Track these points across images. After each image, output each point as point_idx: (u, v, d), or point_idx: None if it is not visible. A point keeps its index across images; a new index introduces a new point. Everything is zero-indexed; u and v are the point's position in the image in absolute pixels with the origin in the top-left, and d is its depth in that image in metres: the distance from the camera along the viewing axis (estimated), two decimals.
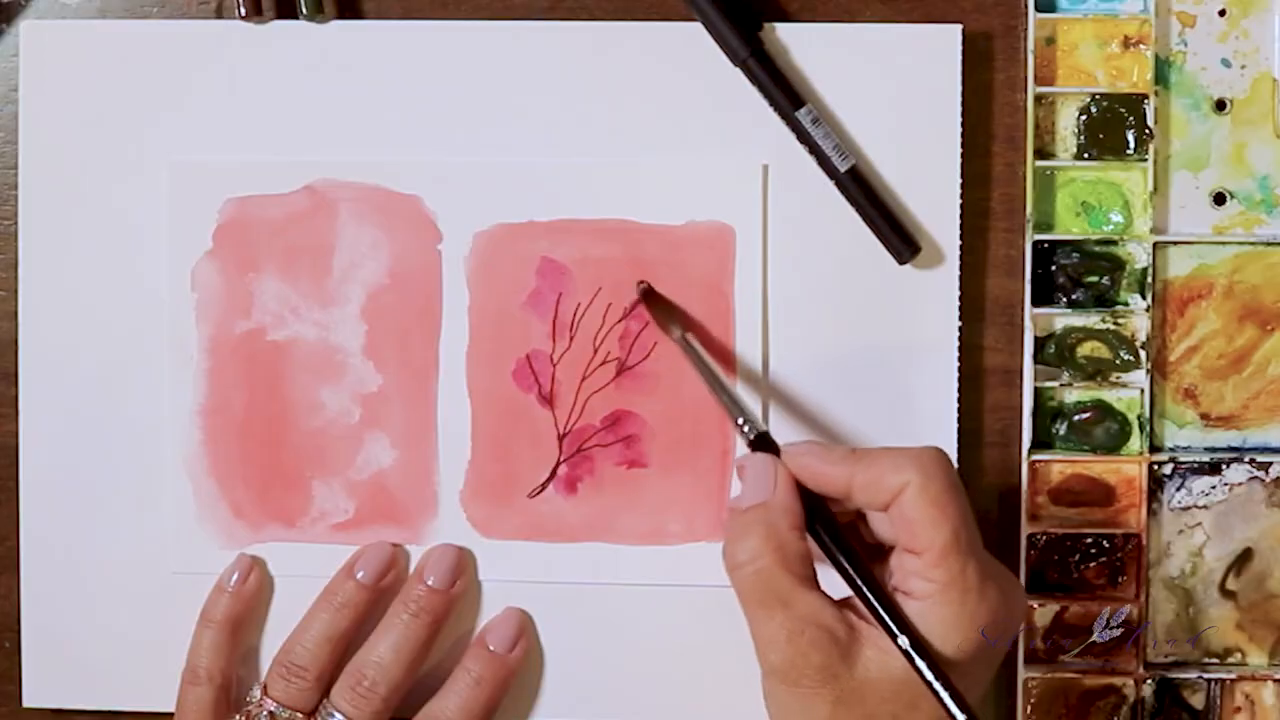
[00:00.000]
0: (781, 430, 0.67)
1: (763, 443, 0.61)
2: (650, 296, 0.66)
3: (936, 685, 0.55)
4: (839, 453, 0.59)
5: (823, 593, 0.58)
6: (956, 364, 0.67)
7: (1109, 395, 0.68)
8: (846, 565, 0.58)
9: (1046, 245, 0.67)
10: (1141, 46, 0.67)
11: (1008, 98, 0.67)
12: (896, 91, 0.66)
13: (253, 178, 0.67)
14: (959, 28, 0.66)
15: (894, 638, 0.56)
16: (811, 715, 0.57)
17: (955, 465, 0.59)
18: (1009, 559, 0.67)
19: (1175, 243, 0.67)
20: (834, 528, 0.59)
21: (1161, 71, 0.67)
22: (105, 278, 0.68)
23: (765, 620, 0.58)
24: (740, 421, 0.62)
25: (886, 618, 0.56)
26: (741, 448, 0.67)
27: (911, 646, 0.56)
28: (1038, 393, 0.67)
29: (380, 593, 0.67)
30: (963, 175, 0.66)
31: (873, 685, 0.57)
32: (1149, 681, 0.67)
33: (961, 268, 0.67)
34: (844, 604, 0.58)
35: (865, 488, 0.58)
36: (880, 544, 0.60)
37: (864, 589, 0.57)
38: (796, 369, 0.67)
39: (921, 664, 0.56)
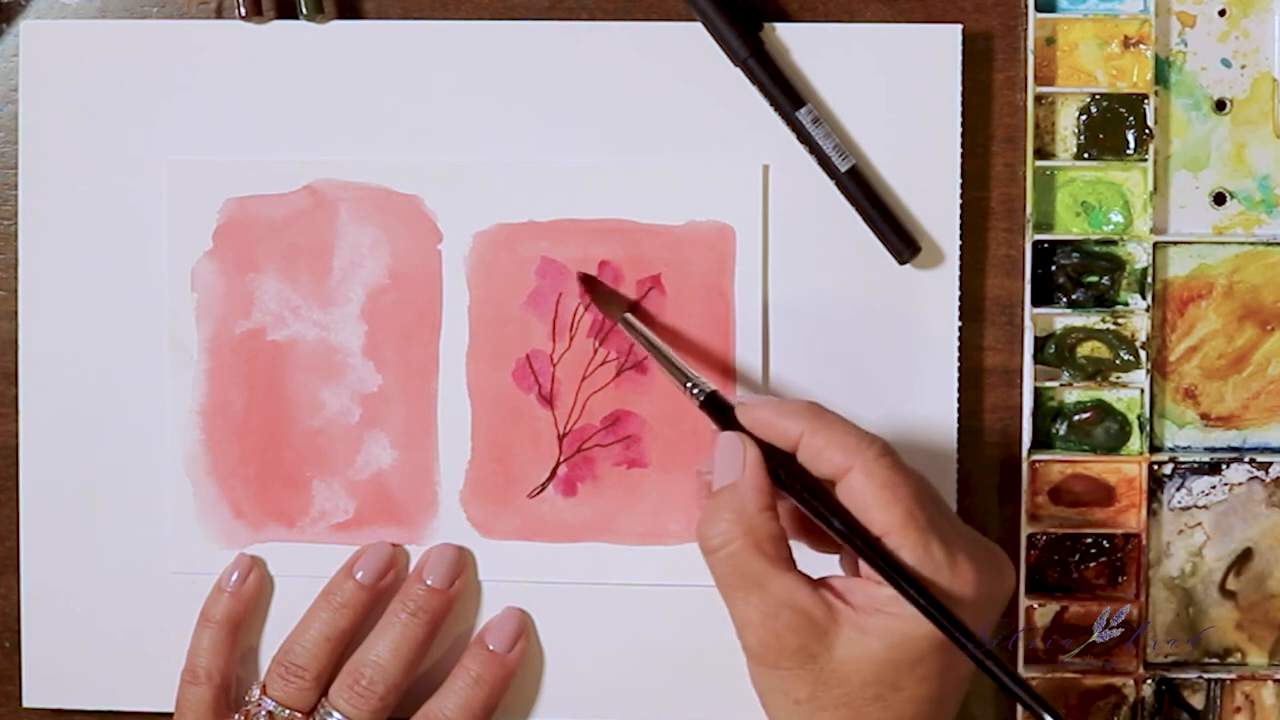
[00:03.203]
0: None
1: (713, 402, 0.61)
2: (588, 282, 0.66)
3: (948, 626, 0.55)
4: (794, 407, 0.59)
5: (799, 573, 0.58)
6: (956, 364, 0.67)
7: (1109, 395, 0.67)
8: (826, 512, 0.58)
9: (1046, 245, 0.67)
10: (1141, 46, 0.67)
11: (1008, 98, 0.67)
12: (896, 91, 0.66)
13: (253, 178, 0.67)
14: (959, 28, 0.66)
15: (898, 587, 0.56)
16: (793, 696, 0.57)
17: (899, 455, 0.59)
18: (1009, 559, 0.67)
19: (1175, 243, 0.67)
20: (809, 479, 0.59)
21: (1161, 71, 0.67)
22: (105, 278, 0.68)
23: (741, 603, 0.58)
24: (688, 385, 0.62)
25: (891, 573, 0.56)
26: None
27: (911, 586, 0.56)
28: (1038, 393, 0.67)
29: (380, 593, 0.67)
30: (963, 175, 0.66)
31: (853, 666, 0.57)
32: (1149, 681, 0.67)
33: (961, 268, 0.67)
34: (820, 584, 0.58)
35: (812, 453, 0.58)
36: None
37: (843, 528, 0.57)
38: (796, 369, 0.67)
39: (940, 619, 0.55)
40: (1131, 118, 0.67)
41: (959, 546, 0.57)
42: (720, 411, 0.61)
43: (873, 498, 0.57)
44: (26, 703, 0.69)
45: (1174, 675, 0.68)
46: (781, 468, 0.59)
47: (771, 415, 0.59)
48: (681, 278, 0.67)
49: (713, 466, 0.60)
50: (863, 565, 0.58)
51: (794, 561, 0.58)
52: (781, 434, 0.59)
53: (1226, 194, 0.67)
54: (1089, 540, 0.67)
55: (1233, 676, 0.68)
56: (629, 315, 0.65)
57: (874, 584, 0.57)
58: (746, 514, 0.58)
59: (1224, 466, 0.68)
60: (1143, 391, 0.67)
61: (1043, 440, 0.68)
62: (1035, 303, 0.67)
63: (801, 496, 0.59)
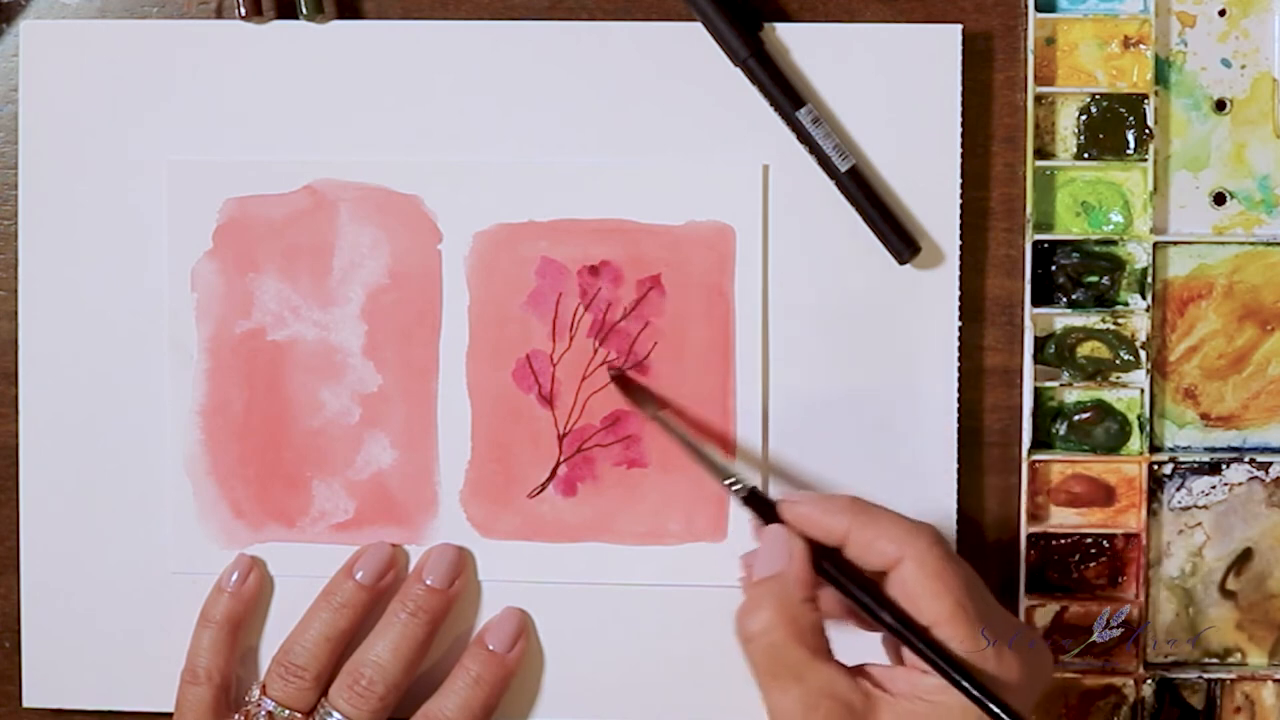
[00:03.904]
0: (782, 431, 0.67)
1: (755, 498, 0.62)
2: (621, 381, 0.66)
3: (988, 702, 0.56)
4: (838, 504, 0.60)
5: (838, 663, 0.58)
6: (956, 364, 0.67)
7: (1109, 395, 0.67)
8: (872, 604, 0.58)
9: (1046, 245, 0.67)
10: (1141, 46, 0.67)
11: (1008, 98, 0.67)
12: (896, 91, 0.66)
13: (253, 178, 0.67)
14: (959, 28, 0.66)
15: (940, 670, 0.56)
16: None
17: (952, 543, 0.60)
18: (1009, 559, 0.67)
19: (1175, 243, 0.67)
20: (853, 571, 0.59)
21: (1161, 71, 0.67)
22: (105, 278, 0.68)
23: (779, 693, 0.58)
24: (729, 482, 0.62)
25: (938, 661, 0.57)
26: (743, 450, 0.67)
27: (953, 669, 0.56)
28: (1038, 393, 0.67)
29: (379, 593, 0.67)
30: (963, 175, 0.66)
31: None
32: (1149, 681, 0.67)
33: (961, 268, 0.67)
34: (858, 671, 0.58)
35: (860, 547, 0.59)
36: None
37: (888, 618, 0.58)
38: (796, 369, 0.67)
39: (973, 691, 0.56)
40: (1131, 118, 0.67)
41: (1007, 637, 0.58)
42: (762, 507, 0.62)
43: (924, 587, 0.57)
44: (26, 703, 0.69)
45: (1174, 675, 0.68)
46: (825, 560, 0.59)
47: (816, 512, 0.60)
48: (681, 278, 0.67)
49: (754, 557, 0.61)
50: (907, 653, 0.58)
51: (831, 651, 0.58)
52: (826, 530, 0.60)
53: (1226, 194, 0.67)
54: (1089, 540, 0.67)
55: (1233, 676, 0.68)
56: (663, 414, 0.66)
57: (918, 672, 0.57)
58: (790, 604, 0.58)
59: (1224, 466, 0.68)
60: (1143, 391, 0.67)
61: (1043, 440, 0.68)
62: (1035, 303, 0.67)
63: (846, 589, 0.59)
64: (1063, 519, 0.67)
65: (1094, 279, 0.67)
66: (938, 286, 0.67)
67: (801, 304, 0.67)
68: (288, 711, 0.65)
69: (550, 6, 0.68)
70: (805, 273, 0.67)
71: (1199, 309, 0.68)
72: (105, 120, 0.68)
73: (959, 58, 0.66)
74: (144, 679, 0.68)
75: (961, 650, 0.57)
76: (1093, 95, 0.67)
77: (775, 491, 0.66)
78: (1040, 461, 0.67)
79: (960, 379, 0.67)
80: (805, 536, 0.60)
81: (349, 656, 0.66)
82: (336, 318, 0.68)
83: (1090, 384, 0.67)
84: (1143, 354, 0.67)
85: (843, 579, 0.59)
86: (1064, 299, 0.67)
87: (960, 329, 0.67)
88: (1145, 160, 0.66)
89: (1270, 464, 0.67)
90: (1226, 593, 0.68)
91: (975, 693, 0.56)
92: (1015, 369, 0.67)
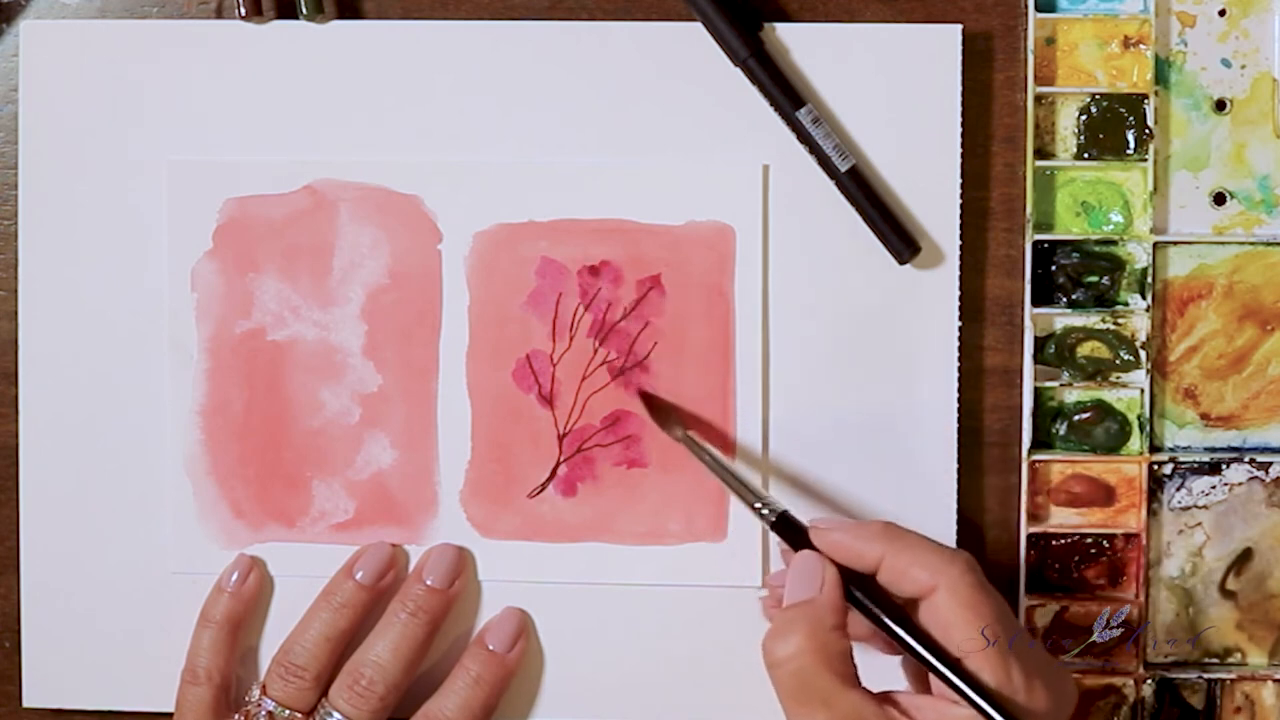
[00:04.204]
0: (782, 431, 0.67)
1: (785, 522, 0.62)
2: (648, 400, 0.66)
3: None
4: (872, 530, 0.60)
5: (865, 690, 0.58)
6: (956, 364, 0.67)
7: (1109, 395, 0.67)
8: (907, 636, 0.58)
9: (1046, 245, 0.67)
10: (1141, 46, 0.67)
11: (1008, 98, 0.67)
12: (896, 91, 0.66)
13: (253, 178, 0.67)
14: (959, 28, 0.66)
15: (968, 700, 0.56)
16: None
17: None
18: (1009, 559, 0.67)
19: (1175, 243, 0.67)
20: (884, 599, 0.59)
21: (1161, 71, 0.67)
22: (105, 278, 0.68)
23: (805, 719, 0.58)
24: (758, 506, 0.62)
25: (968, 690, 0.57)
26: (743, 450, 0.67)
27: (985, 701, 0.56)
28: (1038, 393, 0.67)
29: (379, 593, 0.67)
30: (963, 175, 0.66)
31: None
32: (1149, 681, 0.67)
33: (961, 268, 0.67)
34: (885, 699, 0.58)
35: (894, 574, 0.59)
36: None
37: (920, 648, 0.58)
38: (796, 369, 0.67)
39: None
40: (1131, 118, 0.67)
41: (1035, 669, 0.57)
42: (792, 531, 0.61)
43: (957, 617, 0.57)
44: (26, 703, 0.69)
45: (1174, 675, 0.68)
46: (856, 587, 0.59)
47: (849, 539, 0.60)
48: (681, 278, 0.67)
49: (784, 580, 0.60)
50: (936, 683, 0.58)
51: (859, 679, 0.58)
52: (859, 556, 0.60)
53: (1226, 194, 0.67)
54: (1089, 540, 0.67)
55: (1233, 676, 0.68)
56: (692, 434, 0.65)
57: (947, 702, 0.57)
58: (820, 630, 0.58)
59: (1224, 466, 0.68)
60: (1143, 391, 0.67)
61: (1043, 440, 0.68)
62: (1035, 303, 0.67)
63: (876, 617, 0.59)
64: (1063, 519, 0.67)
65: (1094, 279, 0.67)
66: (938, 286, 0.67)
67: (801, 304, 0.67)
68: (288, 711, 0.65)
69: (550, 6, 0.68)
70: (805, 273, 0.67)
71: (1199, 309, 0.68)
72: (105, 120, 0.68)
73: (959, 58, 0.66)
74: (144, 679, 0.68)
75: (992, 682, 0.57)
76: (1093, 95, 0.67)
77: (775, 493, 0.66)
78: (1040, 461, 0.67)
79: (960, 379, 0.67)
80: (836, 562, 0.60)
81: (349, 656, 0.66)
82: (336, 318, 0.68)
83: (1090, 384, 0.67)
84: (1143, 354, 0.67)
85: (874, 607, 0.59)
86: (1064, 299, 0.67)
87: (960, 329, 0.67)
88: (1145, 160, 0.66)
89: (1270, 464, 0.67)
90: (1226, 593, 0.68)
91: None
92: (1015, 369, 0.67)
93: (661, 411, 0.66)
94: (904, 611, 0.59)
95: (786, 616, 0.59)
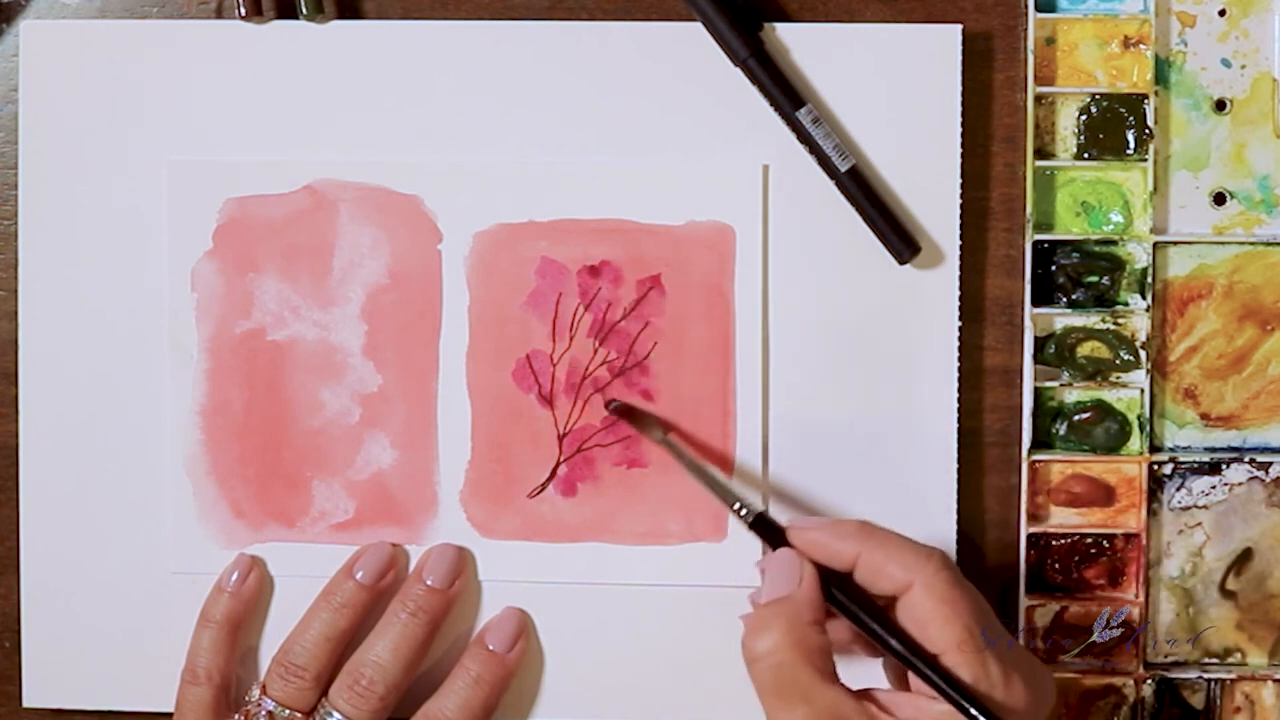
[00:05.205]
0: (781, 431, 0.67)
1: (762, 523, 0.62)
2: (624, 412, 0.66)
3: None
4: (847, 529, 0.60)
5: (844, 686, 0.58)
6: (956, 364, 0.67)
7: (1109, 395, 0.67)
8: (882, 632, 0.58)
9: (1046, 245, 0.67)
10: (1141, 46, 0.67)
11: (1008, 98, 0.67)
12: (896, 91, 0.66)
13: (253, 178, 0.67)
14: (959, 28, 0.66)
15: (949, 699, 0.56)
16: None
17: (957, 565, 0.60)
18: (1009, 559, 0.67)
19: (1175, 243, 0.67)
20: (861, 597, 0.59)
21: (1161, 71, 0.67)
22: (105, 278, 0.68)
23: (785, 714, 0.58)
24: (736, 506, 0.62)
25: (949, 689, 0.57)
26: (743, 450, 0.67)
27: (961, 697, 0.56)
28: (1038, 393, 0.67)
29: (380, 593, 0.67)
30: (963, 175, 0.66)
31: None
32: (1149, 681, 0.67)
33: (961, 268, 0.67)
34: (864, 695, 0.58)
35: (870, 572, 0.59)
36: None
37: (898, 646, 0.58)
38: (796, 369, 0.67)
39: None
40: (1131, 118, 0.67)
41: (1013, 665, 0.58)
42: (770, 531, 0.62)
43: (933, 613, 0.58)
44: (26, 703, 0.69)
45: (1174, 675, 0.68)
46: (834, 586, 0.60)
47: (825, 537, 0.60)
48: (681, 278, 0.67)
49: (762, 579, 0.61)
50: (914, 680, 0.58)
51: (838, 675, 0.58)
52: (835, 554, 0.60)
53: (1226, 194, 0.67)
54: (1089, 540, 0.67)
55: (1233, 676, 0.68)
56: (671, 437, 0.66)
57: (925, 699, 0.57)
58: (798, 626, 0.58)
59: (1224, 466, 0.68)
60: (1143, 391, 0.67)
61: (1043, 440, 0.68)
62: (1035, 303, 0.67)
63: (855, 616, 0.59)
64: (1063, 519, 0.67)
65: (1094, 279, 0.67)
66: (938, 286, 0.67)
67: (801, 304, 0.67)
68: (288, 711, 0.65)
69: (550, 6, 0.68)
70: (805, 273, 0.67)
71: (1199, 309, 0.68)
72: (105, 120, 0.68)
73: (959, 58, 0.66)
74: (144, 679, 0.68)
75: (969, 678, 0.57)
76: (1093, 95, 0.67)
77: (774, 493, 0.66)
78: (1040, 461, 0.67)
79: (960, 379, 0.67)
80: (813, 561, 0.60)
81: (349, 656, 0.66)
82: (336, 318, 0.68)
83: (1090, 384, 0.67)
84: (1143, 354, 0.67)
85: (851, 605, 0.59)
86: (1064, 299, 0.67)
87: (960, 329, 0.67)
88: (1145, 160, 0.66)
89: (1270, 464, 0.67)
90: (1226, 593, 0.68)
91: None
92: (1015, 369, 0.67)
93: (639, 419, 0.66)
94: (881, 609, 0.59)
95: (764, 612, 0.59)
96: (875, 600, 0.59)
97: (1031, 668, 0.59)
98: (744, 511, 0.62)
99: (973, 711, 0.56)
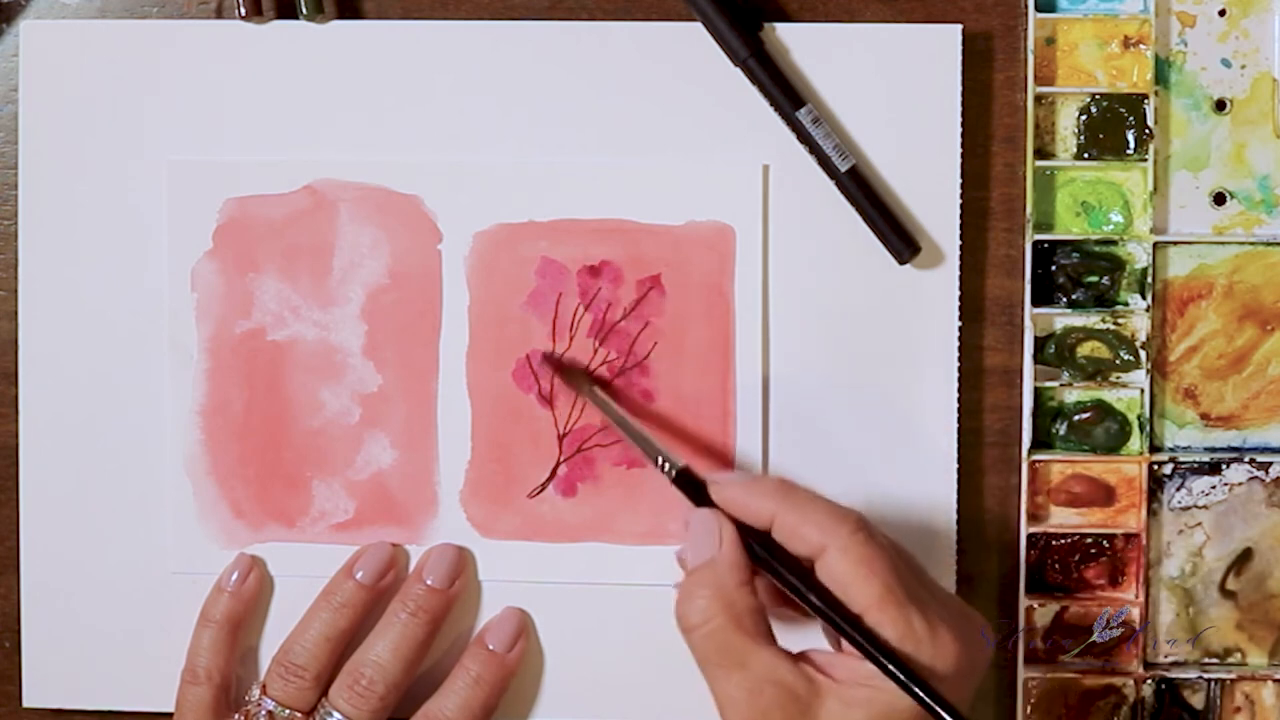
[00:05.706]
0: (781, 431, 0.67)
1: (685, 479, 0.61)
2: (553, 361, 0.66)
3: (921, 694, 0.55)
4: (765, 486, 0.60)
5: (780, 649, 0.58)
6: (956, 364, 0.67)
7: (1109, 395, 0.67)
8: (804, 589, 0.58)
9: (1046, 245, 0.67)
10: (1141, 46, 0.67)
11: (1008, 98, 0.67)
12: (896, 91, 0.66)
13: (253, 178, 0.67)
14: (959, 28, 0.66)
15: (873, 660, 0.56)
16: None
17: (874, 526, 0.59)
18: (1009, 559, 0.67)
19: (1175, 243, 0.67)
20: (786, 557, 0.59)
21: (1161, 71, 0.67)
22: (105, 278, 0.68)
23: (723, 681, 0.58)
24: (660, 461, 0.62)
25: (874, 651, 0.56)
26: (743, 450, 0.67)
27: (888, 660, 0.56)
28: (1038, 393, 0.67)
29: (380, 593, 0.67)
30: (963, 175, 0.66)
31: None
32: (1149, 681, 0.67)
33: (961, 268, 0.67)
34: (802, 658, 0.58)
35: (786, 532, 0.58)
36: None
37: (821, 605, 0.57)
38: (796, 369, 0.67)
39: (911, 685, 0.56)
40: (1131, 118, 0.67)
41: (940, 618, 0.57)
42: (693, 488, 0.61)
43: (851, 574, 0.57)
44: (26, 703, 0.69)
45: (1174, 675, 0.68)
46: (758, 545, 0.59)
47: (742, 495, 0.60)
48: (681, 278, 0.67)
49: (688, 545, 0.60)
50: (844, 641, 0.58)
51: (774, 636, 0.58)
52: (754, 513, 0.59)
53: (1226, 194, 0.67)
54: (1089, 540, 0.67)
55: (1233, 676, 0.68)
56: (596, 388, 0.65)
57: (856, 659, 0.57)
58: (725, 590, 0.58)
59: (1224, 466, 0.68)
60: (1143, 391, 0.67)
61: (1043, 440, 0.68)
62: (1035, 303, 0.67)
63: (779, 574, 0.59)
64: (1063, 519, 0.67)
65: (1094, 279, 0.67)
66: (938, 286, 0.67)
67: (801, 304, 0.67)
68: (288, 711, 0.65)
69: (550, 6, 0.68)
70: (805, 273, 0.67)
71: (1199, 309, 0.68)
72: (105, 120, 0.68)
73: (959, 58, 0.66)
74: (144, 679, 0.68)
75: (892, 635, 0.56)
76: (1093, 95, 0.67)
77: None
78: (1040, 461, 0.67)
79: (960, 379, 0.67)
80: (735, 520, 0.59)
81: (349, 656, 0.66)
82: (336, 318, 0.68)
83: (1090, 384, 0.67)
84: (1143, 354, 0.67)
85: (775, 563, 0.59)
86: (1064, 299, 0.67)
87: (960, 329, 0.67)
88: (1145, 160, 0.66)
89: (1270, 464, 0.67)
90: (1226, 593, 0.68)
91: (903, 679, 0.55)
92: (1015, 369, 0.67)
93: (568, 371, 0.66)
94: (806, 570, 0.58)
95: (691, 580, 0.59)
96: (799, 560, 0.59)
97: (963, 618, 0.58)
98: (667, 466, 0.62)
99: (890, 668, 0.55)
